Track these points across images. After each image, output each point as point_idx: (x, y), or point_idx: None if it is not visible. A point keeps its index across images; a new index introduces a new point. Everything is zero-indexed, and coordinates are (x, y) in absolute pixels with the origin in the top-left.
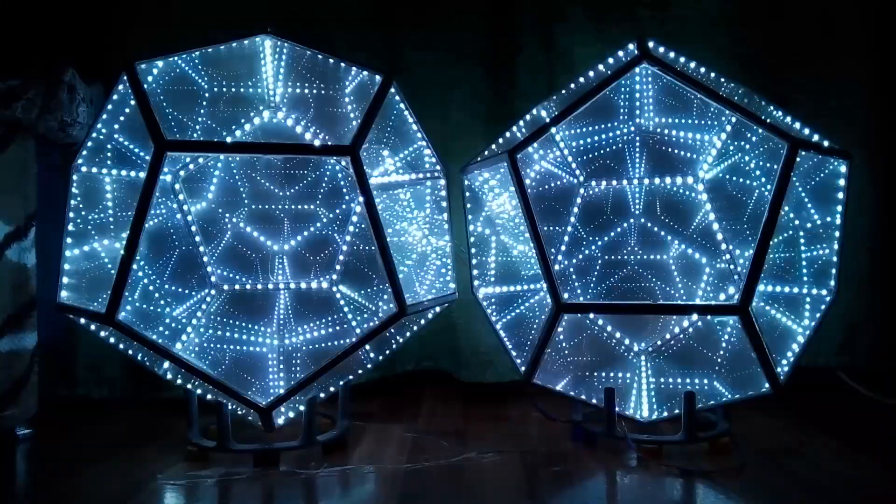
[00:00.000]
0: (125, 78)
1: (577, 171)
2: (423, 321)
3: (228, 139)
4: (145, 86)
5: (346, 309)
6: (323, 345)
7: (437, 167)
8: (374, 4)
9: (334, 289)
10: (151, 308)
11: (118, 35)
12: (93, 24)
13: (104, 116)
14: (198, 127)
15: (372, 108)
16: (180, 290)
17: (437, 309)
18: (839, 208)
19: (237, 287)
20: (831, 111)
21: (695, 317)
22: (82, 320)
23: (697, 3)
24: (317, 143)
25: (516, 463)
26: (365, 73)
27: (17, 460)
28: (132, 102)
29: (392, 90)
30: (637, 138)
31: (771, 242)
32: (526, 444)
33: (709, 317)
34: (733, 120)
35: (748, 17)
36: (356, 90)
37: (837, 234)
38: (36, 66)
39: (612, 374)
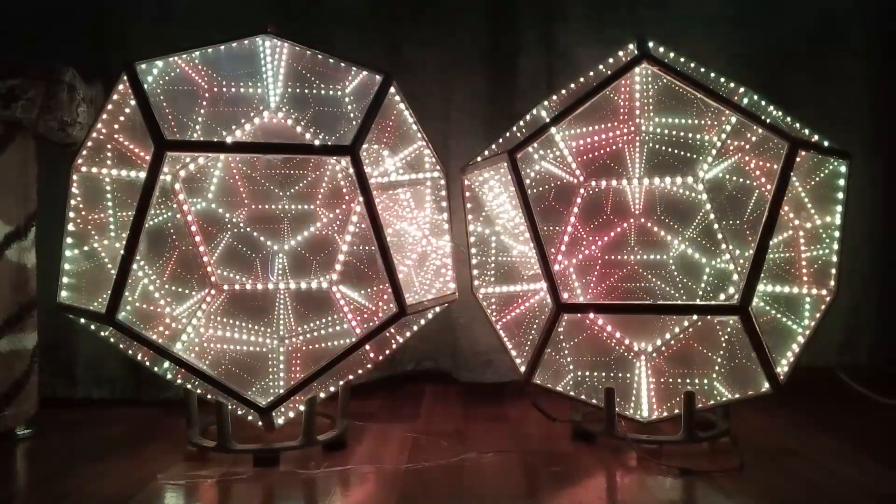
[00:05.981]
0: (125, 78)
1: (577, 171)
2: (423, 321)
3: (228, 139)
4: (145, 86)
5: (346, 309)
6: (323, 345)
7: (438, 167)
8: (374, 4)
9: (334, 289)
10: (151, 308)
11: (118, 35)
12: (93, 24)
13: (104, 116)
14: (198, 127)
15: (372, 108)
16: (180, 290)
17: (437, 309)
18: (839, 208)
19: (237, 287)
20: (831, 111)
21: (695, 317)
22: (82, 320)
23: (697, 3)
24: (317, 143)
25: (516, 463)
26: (365, 72)
27: (17, 460)
28: (132, 102)
29: (392, 90)
30: (637, 138)
31: (771, 242)
32: (526, 444)
33: (709, 317)
34: (733, 120)
35: (748, 17)
36: (356, 90)
37: (837, 234)
38: (36, 66)
39: (612, 374)
